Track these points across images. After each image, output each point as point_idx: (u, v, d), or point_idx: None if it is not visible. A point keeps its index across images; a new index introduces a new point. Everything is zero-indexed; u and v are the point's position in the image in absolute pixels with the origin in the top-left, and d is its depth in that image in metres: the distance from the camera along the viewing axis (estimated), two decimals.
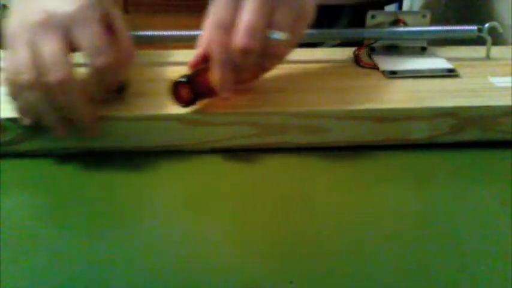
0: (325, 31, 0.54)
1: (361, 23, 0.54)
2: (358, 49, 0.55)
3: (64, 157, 0.43)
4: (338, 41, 0.55)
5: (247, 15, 0.37)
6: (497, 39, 0.56)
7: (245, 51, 0.37)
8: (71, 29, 0.37)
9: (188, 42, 0.55)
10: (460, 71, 0.50)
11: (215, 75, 0.39)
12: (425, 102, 0.44)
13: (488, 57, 0.55)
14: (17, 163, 0.43)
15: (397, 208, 0.38)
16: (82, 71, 0.38)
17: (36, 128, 0.42)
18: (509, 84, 0.48)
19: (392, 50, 0.55)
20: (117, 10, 0.40)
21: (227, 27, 0.38)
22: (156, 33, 0.55)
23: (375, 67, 0.52)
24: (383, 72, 0.51)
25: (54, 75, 0.36)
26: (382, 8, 0.54)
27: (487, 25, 0.53)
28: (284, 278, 0.31)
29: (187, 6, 1.33)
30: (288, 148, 0.44)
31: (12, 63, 0.37)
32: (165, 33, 0.56)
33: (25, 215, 0.38)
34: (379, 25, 0.54)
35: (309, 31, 0.54)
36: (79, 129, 0.41)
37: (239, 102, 0.44)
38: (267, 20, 0.38)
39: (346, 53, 0.56)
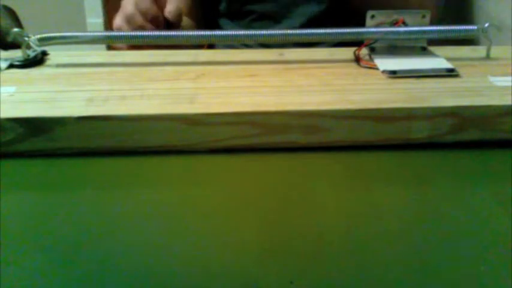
0: (325, 31, 0.54)
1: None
2: (358, 49, 0.55)
3: (64, 157, 0.43)
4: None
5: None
6: (497, 39, 0.56)
7: None
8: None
9: (188, 43, 0.56)
10: (460, 70, 0.50)
11: None
12: (425, 102, 0.44)
13: (488, 57, 0.55)
14: (17, 163, 0.43)
15: (397, 208, 0.38)
16: None
17: (36, 128, 0.42)
18: (509, 84, 0.48)
19: (392, 50, 0.55)
20: None
21: None
22: (157, 33, 0.55)
23: (375, 67, 0.52)
24: (383, 72, 0.51)
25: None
26: None
27: (487, 25, 0.53)
28: (284, 278, 0.31)
29: None
30: (288, 148, 0.44)
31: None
32: (166, 33, 0.56)
33: (25, 215, 0.38)
34: (379, 25, 0.54)
35: (309, 31, 0.54)
36: None
37: (239, 102, 0.44)
38: None
39: (346, 53, 0.56)
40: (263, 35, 0.54)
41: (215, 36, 0.55)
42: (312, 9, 0.76)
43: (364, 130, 0.44)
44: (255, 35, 0.55)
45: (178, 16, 0.58)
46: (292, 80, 0.49)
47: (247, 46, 0.80)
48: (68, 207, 0.39)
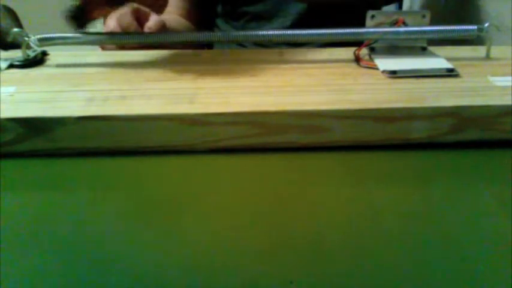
0: (326, 31, 0.54)
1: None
2: (358, 49, 0.55)
3: (64, 157, 0.43)
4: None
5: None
6: (497, 39, 0.56)
7: None
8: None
9: (188, 43, 0.56)
10: (460, 70, 0.50)
11: None
12: (425, 102, 0.44)
13: (488, 57, 0.55)
14: (17, 163, 0.43)
15: (397, 208, 0.38)
16: None
17: (36, 128, 0.42)
18: (509, 84, 0.48)
19: (393, 50, 0.55)
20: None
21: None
22: (157, 33, 0.55)
23: (375, 67, 0.52)
24: (383, 72, 0.51)
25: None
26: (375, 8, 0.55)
27: (487, 25, 0.53)
28: (284, 278, 0.31)
29: None
30: (288, 148, 0.44)
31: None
32: (166, 33, 0.56)
33: (25, 215, 0.38)
34: (379, 25, 0.54)
35: (308, 31, 0.54)
36: None
37: (239, 102, 0.44)
38: None
39: (346, 53, 0.56)
40: (263, 35, 0.54)
41: (214, 36, 0.55)
42: (298, 7, 0.77)
43: (364, 130, 0.44)
44: (254, 35, 0.55)
45: (159, 31, 0.60)
46: (292, 80, 0.49)
47: (242, 46, 0.80)
48: (68, 207, 0.39)
